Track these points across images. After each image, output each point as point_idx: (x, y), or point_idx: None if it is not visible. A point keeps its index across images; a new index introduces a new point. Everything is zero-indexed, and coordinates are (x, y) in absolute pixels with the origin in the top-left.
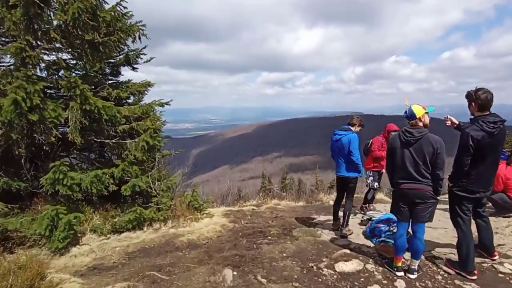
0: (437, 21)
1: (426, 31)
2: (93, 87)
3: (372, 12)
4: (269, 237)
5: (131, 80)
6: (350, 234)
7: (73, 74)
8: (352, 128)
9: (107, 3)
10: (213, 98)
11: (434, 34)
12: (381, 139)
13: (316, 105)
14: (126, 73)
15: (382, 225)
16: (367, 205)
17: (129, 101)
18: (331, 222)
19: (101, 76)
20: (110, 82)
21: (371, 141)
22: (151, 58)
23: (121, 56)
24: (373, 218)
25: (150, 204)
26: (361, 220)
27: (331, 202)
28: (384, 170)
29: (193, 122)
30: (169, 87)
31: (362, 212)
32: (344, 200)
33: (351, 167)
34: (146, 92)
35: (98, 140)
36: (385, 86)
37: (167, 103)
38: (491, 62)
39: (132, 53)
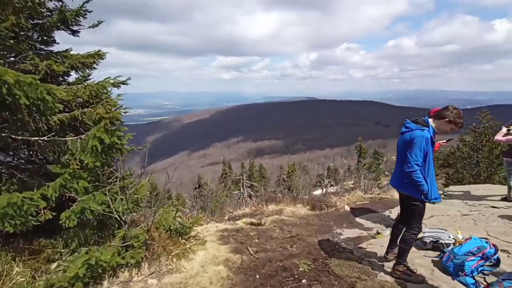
0: (384, 10)
1: (375, 20)
2: (3, 53)
3: None
4: (302, 279)
5: (71, 49)
6: (409, 277)
7: None
8: (431, 122)
9: None
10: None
11: (382, 23)
12: None
13: (272, 90)
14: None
15: (473, 257)
16: None
17: (69, 79)
18: (366, 240)
19: (21, 41)
20: (38, 52)
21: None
22: (99, 22)
23: (54, 14)
24: (440, 240)
25: (110, 241)
26: (422, 241)
27: (347, 208)
28: None
29: (146, 108)
30: (118, 70)
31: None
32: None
33: (409, 179)
34: (95, 65)
35: (19, 138)
36: (337, 72)
37: (123, 82)
38: (429, 50)
39: (69, 12)
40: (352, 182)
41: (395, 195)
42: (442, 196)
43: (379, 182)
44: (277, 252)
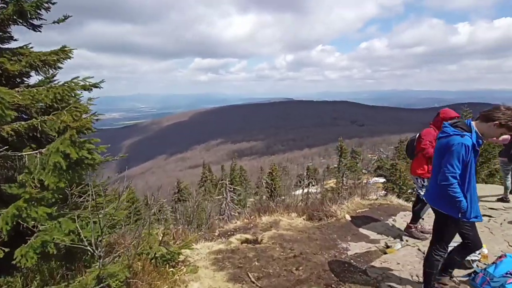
0: (356, 13)
1: (348, 22)
2: None
3: (301, 1)
4: None
5: (30, 45)
6: None
7: None
8: (475, 126)
9: None
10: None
11: (355, 26)
12: (433, 131)
13: (250, 92)
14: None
15: None
16: (417, 224)
17: (30, 81)
18: (377, 256)
19: None
20: None
21: (417, 134)
22: (66, 17)
23: (10, 5)
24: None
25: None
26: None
27: (348, 217)
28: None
29: (121, 111)
30: (89, 72)
31: (412, 236)
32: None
33: (442, 192)
34: (59, 64)
35: None
36: (314, 73)
37: (95, 85)
38: (399, 52)
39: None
40: (333, 181)
41: (394, 201)
42: None
43: (360, 180)
44: (282, 277)
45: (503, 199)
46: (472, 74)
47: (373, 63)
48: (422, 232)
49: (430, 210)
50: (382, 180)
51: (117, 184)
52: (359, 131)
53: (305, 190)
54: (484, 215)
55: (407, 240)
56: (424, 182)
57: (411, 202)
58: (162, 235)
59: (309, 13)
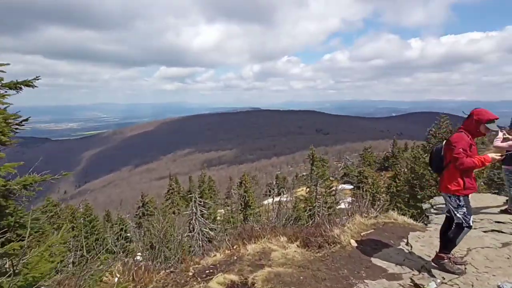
0: (321, 26)
1: (312, 35)
2: None
3: (268, 13)
4: None
5: None
6: None
7: None
8: None
9: None
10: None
11: (319, 38)
12: (466, 137)
13: (217, 101)
14: None
15: None
16: (451, 254)
17: None
18: None
19: None
20: None
21: (444, 141)
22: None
23: None
24: None
25: None
26: None
27: (353, 243)
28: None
29: (79, 121)
30: (46, 80)
31: (445, 270)
32: None
33: None
34: None
35: None
36: (279, 83)
37: (28, 84)
38: (359, 64)
39: None
40: (303, 189)
41: (397, 218)
42: (432, 210)
43: (332, 188)
44: None
45: (507, 211)
46: (424, 86)
47: (335, 74)
48: (455, 263)
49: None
50: (349, 186)
51: (74, 201)
52: (324, 139)
53: (276, 199)
54: (493, 230)
55: (443, 278)
56: (460, 201)
57: (414, 219)
58: (118, 277)
59: (275, 25)
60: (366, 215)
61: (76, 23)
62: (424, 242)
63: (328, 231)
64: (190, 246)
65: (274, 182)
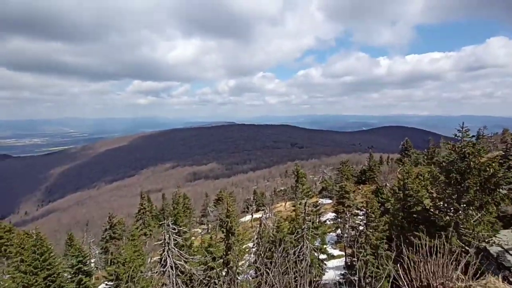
0: (295, 44)
1: (287, 52)
2: None
3: (244, 30)
4: None
5: None
6: None
7: None
8: None
9: None
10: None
11: (293, 55)
12: None
13: (192, 116)
14: None
15: None
16: None
17: None
18: None
19: None
20: None
21: None
22: None
23: None
24: None
25: None
26: None
27: None
28: None
29: (44, 137)
30: (8, 93)
31: None
32: None
33: None
34: None
35: None
36: (254, 98)
37: None
38: (331, 81)
39: None
40: (281, 205)
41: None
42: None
43: (318, 207)
44: None
45: None
46: (391, 101)
47: (309, 89)
48: None
49: None
50: (328, 201)
51: (35, 223)
52: (299, 153)
53: (255, 215)
54: None
55: None
56: None
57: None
58: None
59: (251, 41)
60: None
61: (43, 34)
62: None
63: None
64: (162, 285)
65: (252, 198)
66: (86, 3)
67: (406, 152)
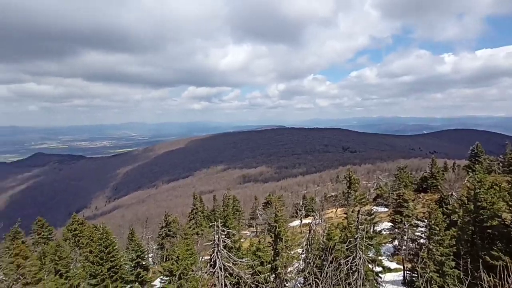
0: (348, 44)
1: (339, 53)
2: None
3: (295, 33)
4: None
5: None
6: None
7: None
8: None
9: None
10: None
11: (346, 56)
12: None
13: (242, 120)
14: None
15: None
16: None
17: None
18: None
19: None
20: None
21: None
22: None
23: None
24: None
25: None
26: None
27: None
28: None
29: (112, 140)
30: (83, 101)
31: None
32: None
33: None
34: None
35: None
36: (304, 101)
37: None
38: (387, 81)
39: None
40: (332, 211)
41: None
42: None
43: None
44: None
45: None
46: (457, 102)
47: (362, 91)
48: None
49: None
50: (383, 209)
51: (103, 217)
52: (351, 157)
53: (304, 221)
54: None
55: None
56: None
57: None
58: None
59: (302, 45)
60: None
61: (111, 47)
62: None
63: None
64: (212, 286)
65: (301, 203)
66: (147, 17)
67: (477, 158)
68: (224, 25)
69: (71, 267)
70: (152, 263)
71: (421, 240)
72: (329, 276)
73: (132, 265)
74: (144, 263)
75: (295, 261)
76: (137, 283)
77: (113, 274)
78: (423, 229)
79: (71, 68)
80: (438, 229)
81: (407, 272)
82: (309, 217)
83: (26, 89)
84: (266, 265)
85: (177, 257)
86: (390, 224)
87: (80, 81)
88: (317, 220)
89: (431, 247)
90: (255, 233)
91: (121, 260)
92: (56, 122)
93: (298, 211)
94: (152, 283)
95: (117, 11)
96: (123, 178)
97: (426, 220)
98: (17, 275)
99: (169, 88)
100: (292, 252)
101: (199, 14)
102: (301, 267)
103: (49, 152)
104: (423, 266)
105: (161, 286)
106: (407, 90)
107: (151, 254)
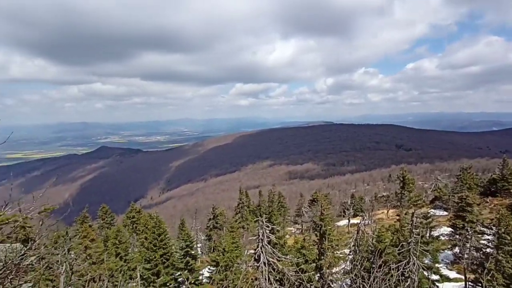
0: (404, 34)
1: (393, 44)
2: None
3: (345, 25)
4: None
5: None
6: None
7: None
8: None
9: None
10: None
11: (401, 47)
12: None
13: (289, 115)
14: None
15: None
16: None
17: None
18: None
19: None
20: None
21: None
22: None
23: None
24: None
25: None
26: None
27: None
28: None
29: (165, 135)
30: (140, 99)
31: None
32: None
33: None
34: None
35: None
36: (354, 96)
37: None
38: (450, 72)
39: None
40: (383, 212)
41: None
42: None
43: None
44: None
45: None
46: None
47: (420, 84)
48: None
49: None
50: (442, 213)
51: (157, 207)
52: (406, 156)
53: (352, 221)
54: None
55: None
56: None
57: None
58: None
59: (352, 37)
60: None
61: (166, 48)
62: None
63: None
64: (255, 279)
65: (350, 202)
66: (198, 17)
67: None
68: (272, 21)
69: (129, 251)
70: (200, 253)
71: (488, 250)
72: (377, 281)
73: (182, 254)
74: (193, 252)
75: (342, 261)
76: (186, 271)
77: (165, 261)
78: (490, 237)
79: (131, 69)
80: (509, 238)
81: (470, 283)
82: (358, 217)
83: (93, 89)
84: (311, 263)
85: (223, 249)
86: (449, 229)
87: (139, 80)
88: (366, 221)
89: (500, 258)
90: (300, 230)
91: (172, 248)
92: (117, 118)
93: (345, 210)
94: (200, 272)
95: (171, 13)
96: (175, 171)
97: (494, 228)
98: (85, 255)
99: (218, 85)
100: (339, 252)
101: (247, 13)
102: (348, 269)
103: (112, 146)
104: (489, 278)
105: (208, 275)
106: (474, 82)
107: (200, 244)
